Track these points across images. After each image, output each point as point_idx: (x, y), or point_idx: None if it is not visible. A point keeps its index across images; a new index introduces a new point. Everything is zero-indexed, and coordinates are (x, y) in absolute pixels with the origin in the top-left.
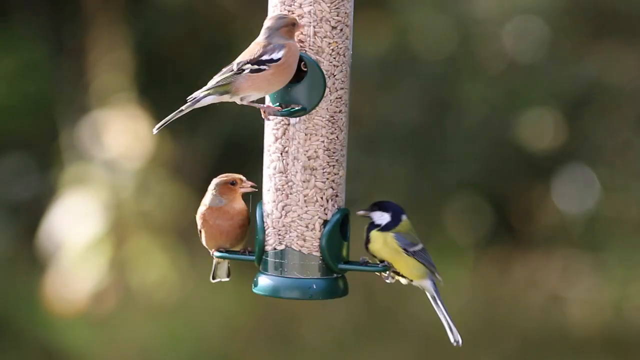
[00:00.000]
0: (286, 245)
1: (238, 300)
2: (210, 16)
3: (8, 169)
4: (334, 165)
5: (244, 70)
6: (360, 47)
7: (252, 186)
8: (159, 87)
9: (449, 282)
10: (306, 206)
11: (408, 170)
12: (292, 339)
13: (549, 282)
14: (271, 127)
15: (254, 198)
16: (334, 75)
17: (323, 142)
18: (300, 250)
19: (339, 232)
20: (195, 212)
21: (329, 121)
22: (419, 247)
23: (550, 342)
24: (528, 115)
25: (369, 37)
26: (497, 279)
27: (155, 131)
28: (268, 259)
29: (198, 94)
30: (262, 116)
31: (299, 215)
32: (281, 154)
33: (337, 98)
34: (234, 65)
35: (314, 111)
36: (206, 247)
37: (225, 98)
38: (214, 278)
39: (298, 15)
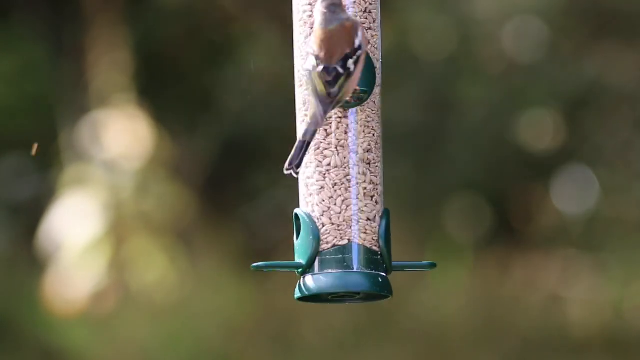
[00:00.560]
0: (349, 240)
1: (238, 300)
2: (210, 16)
3: (8, 169)
4: (380, 160)
5: (350, 68)
6: None
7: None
8: (159, 87)
9: (449, 282)
10: (365, 199)
11: (408, 170)
12: (292, 339)
13: (549, 282)
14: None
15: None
16: (375, 68)
17: (374, 135)
18: (363, 244)
19: (389, 228)
20: (195, 212)
21: (376, 114)
22: None
23: (550, 342)
24: (528, 115)
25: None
26: (497, 279)
27: (286, 172)
28: (326, 257)
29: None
30: (351, 100)
31: (359, 209)
32: (336, 148)
33: (379, 92)
34: (338, 68)
35: (365, 103)
36: None
37: (340, 106)
38: None
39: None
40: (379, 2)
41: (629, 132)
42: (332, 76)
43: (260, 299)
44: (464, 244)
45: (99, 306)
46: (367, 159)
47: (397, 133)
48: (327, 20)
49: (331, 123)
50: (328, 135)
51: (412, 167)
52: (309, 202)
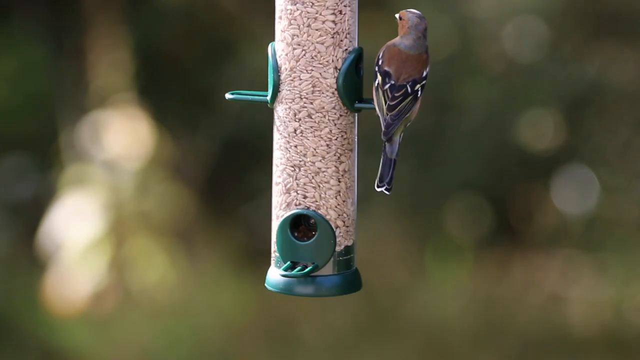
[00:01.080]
0: (353, 240)
1: (238, 300)
2: (210, 16)
3: (8, 169)
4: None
5: (418, 92)
6: None
7: None
8: (159, 87)
9: (449, 282)
10: (354, 197)
11: (408, 170)
12: (292, 340)
13: (549, 282)
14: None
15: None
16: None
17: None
18: (353, 243)
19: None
20: (195, 212)
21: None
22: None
23: (550, 342)
24: (528, 115)
25: (369, 37)
26: (497, 279)
27: (378, 189)
28: (339, 259)
29: (391, 132)
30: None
31: (355, 209)
32: (350, 151)
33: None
34: (408, 88)
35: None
36: None
37: (405, 127)
38: None
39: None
40: None
41: (629, 132)
42: (400, 93)
43: (260, 299)
44: (464, 244)
45: (99, 306)
46: (355, 157)
47: None
48: (412, 46)
49: (346, 129)
50: (345, 139)
51: (412, 167)
52: (321, 205)
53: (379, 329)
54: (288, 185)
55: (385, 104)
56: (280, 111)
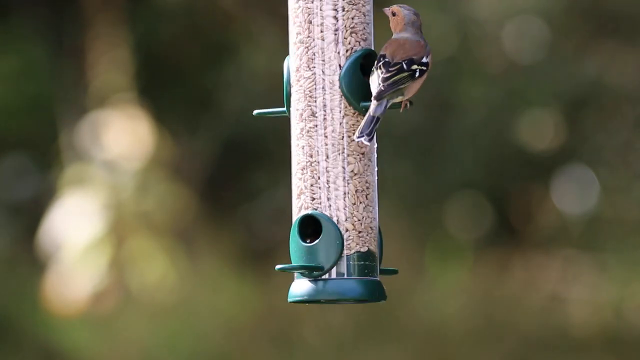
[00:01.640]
0: (368, 247)
1: (238, 300)
2: (210, 16)
3: (8, 169)
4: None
5: (416, 72)
6: None
7: None
8: (159, 87)
9: (449, 282)
10: (376, 206)
11: (408, 170)
12: (292, 340)
13: (549, 282)
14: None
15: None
16: None
17: (376, 143)
18: (375, 251)
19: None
20: (195, 212)
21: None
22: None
23: (550, 342)
24: (528, 115)
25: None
26: (497, 279)
27: (357, 139)
28: (351, 263)
29: (382, 96)
30: (402, 110)
31: (374, 217)
32: (361, 154)
33: None
34: (403, 65)
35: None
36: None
37: (397, 100)
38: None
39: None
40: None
41: (629, 132)
42: (395, 68)
43: (260, 298)
44: (464, 243)
45: (99, 306)
46: (375, 164)
47: (397, 133)
48: (411, 37)
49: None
50: (352, 141)
51: (412, 167)
52: (328, 206)
53: (379, 329)
54: (299, 189)
55: (379, 78)
56: (291, 116)
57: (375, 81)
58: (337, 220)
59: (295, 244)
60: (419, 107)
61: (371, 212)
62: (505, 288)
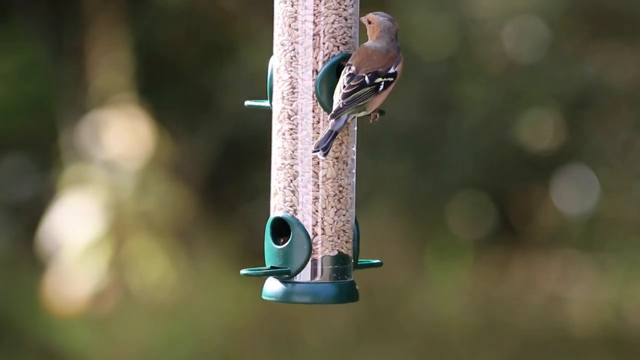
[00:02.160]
0: (338, 251)
1: (238, 300)
2: (210, 16)
3: (8, 169)
4: (355, 167)
5: (379, 86)
6: None
7: None
8: (158, 87)
9: (449, 282)
10: (351, 208)
11: (408, 170)
12: (292, 340)
13: (549, 282)
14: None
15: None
16: None
17: (355, 144)
18: (347, 254)
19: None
20: (195, 212)
21: (356, 124)
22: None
23: (550, 342)
24: (528, 115)
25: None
26: (497, 279)
27: (312, 153)
28: (319, 267)
29: (340, 114)
30: (372, 121)
31: (347, 220)
32: (332, 159)
33: None
34: (366, 79)
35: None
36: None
37: (359, 115)
38: None
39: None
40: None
41: (629, 132)
42: (356, 83)
43: (260, 299)
44: (464, 243)
45: (99, 306)
46: (352, 168)
47: (397, 133)
48: (383, 47)
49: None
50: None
51: (412, 167)
52: (298, 209)
53: (379, 329)
54: (274, 189)
55: (340, 93)
56: (272, 114)
57: (337, 95)
58: (306, 224)
59: (268, 245)
60: (419, 107)
61: (344, 215)
62: (505, 288)
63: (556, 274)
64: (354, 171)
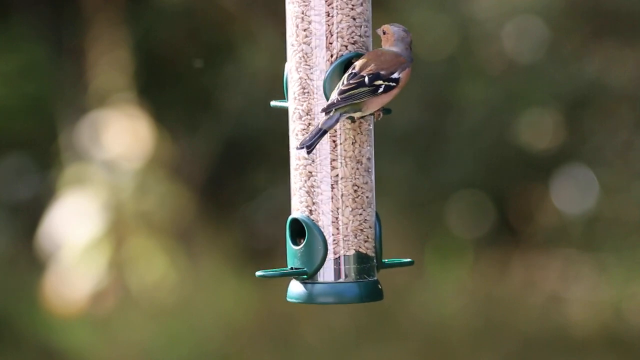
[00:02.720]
0: (356, 250)
1: (238, 300)
2: (210, 16)
3: (8, 169)
4: (373, 166)
5: (379, 88)
6: None
7: None
8: (158, 87)
9: (449, 281)
10: (369, 207)
11: (408, 170)
12: (292, 340)
13: (549, 282)
14: (329, 133)
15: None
16: None
17: (371, 143)
18: (366, 253)
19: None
20: (195, 212)
21: (373, 122)
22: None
23: (550, 342)
24: (528, 115)
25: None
26: (497, 279)
27: (298, 148)
28: (338, 267)
29: (332, 109)
30: (376, 119)
31: (365, 219)
32: (344, 159)
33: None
34: (366, 79)
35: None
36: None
37: (354, 115)
38: None
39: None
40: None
41: (629, 132)
42: (355, 81)
43: (260, 299)
44: (464, 243)
45: (99, 306)
46: (368, 167)
47: (397, 133)
48: (394, 49)
49: (340, 134)
50: (336, 146)
51: (412, 167)
52: (314, 210)
53: (378, 329)
54: (293, 190)
55: (338, 89)
56: (289, 114)
57: (335, 91)
58: (321, 225)
59: (288, 246)
60: (419, 107)
61: (360, 214)
62: (505, 288)
63: (556, 273)
64: (371, 170)
